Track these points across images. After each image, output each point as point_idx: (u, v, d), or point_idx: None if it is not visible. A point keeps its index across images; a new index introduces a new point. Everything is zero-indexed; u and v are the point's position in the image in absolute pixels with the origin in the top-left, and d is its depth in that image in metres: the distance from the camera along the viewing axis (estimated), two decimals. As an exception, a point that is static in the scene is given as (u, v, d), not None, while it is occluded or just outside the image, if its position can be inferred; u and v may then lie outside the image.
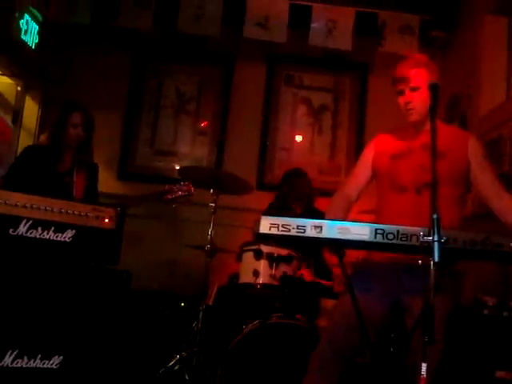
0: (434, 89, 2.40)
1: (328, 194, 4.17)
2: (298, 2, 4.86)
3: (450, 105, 4.66)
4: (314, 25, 4.78)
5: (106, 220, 2.74)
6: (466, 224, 2.69)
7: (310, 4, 4.82)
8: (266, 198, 4.56)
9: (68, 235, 2.65)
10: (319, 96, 5.31)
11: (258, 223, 2.28)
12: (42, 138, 3.62)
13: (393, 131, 2.83)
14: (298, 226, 2.21)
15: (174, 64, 5.36)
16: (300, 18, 4.81)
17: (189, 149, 5.31)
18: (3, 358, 2.44)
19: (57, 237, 2.62)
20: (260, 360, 3.11)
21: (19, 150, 4.39)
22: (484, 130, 4.11)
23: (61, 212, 2.63)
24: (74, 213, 2.67)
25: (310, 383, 2.56)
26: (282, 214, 4.24)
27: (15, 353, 2.46)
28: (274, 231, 2.23)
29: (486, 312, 2.89)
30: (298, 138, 5.35)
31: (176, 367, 3.62)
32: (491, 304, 2.91)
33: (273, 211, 4.28)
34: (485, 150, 2.71)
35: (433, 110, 2.37)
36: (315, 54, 5.15)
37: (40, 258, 2.59)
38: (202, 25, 4.77)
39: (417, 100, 2.60)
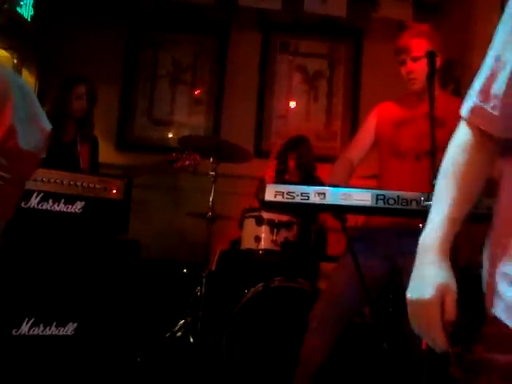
0: (430, 57, 2.47)
1: (325, 159, 4.27)
2: (292, -32, 4.86)
3: (444, 69, 4.70)
4: (308, -9, 4.78)
5: (114, 191, 2.82)
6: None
7: (304, -30, 4.82)
8: (263, 166, 4.63)
9: (78, 207, 2.73)
10: (314, 63, 5.31)
11: (263, 191, 2.36)
12: (44, 110, 3.67)
13: (396, 99, 2.89)
14: (302, 194, 2.29)
15: (170, 33, 5.33)
16: (294, -16, 4.81)
17: (186, 118, 5.33)
18: (20, 326, 2.54)
19: (67, 208, 2.71)
20: (264, 322, 3.22)
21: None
22: (478, 95, 4.16)
23: (70, 184, 2.72)
24: (82, 185, 2.75)
25: (311, 341, 2.69)
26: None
27: (32, 321, 2.56)
28: (279, 199, 2.32)
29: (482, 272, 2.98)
30: (294, 106, 5.38)
31: (181, 331, 3.74)
32: (487, 264, 3.00)
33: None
34: None
35: (431, 77, 2.44)
36: (310, 21, 5.16)
37: (52, 229, 2.67)
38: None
39: (418, 70, 2.64)
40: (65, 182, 2.69)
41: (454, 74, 4.53)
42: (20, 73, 4.77)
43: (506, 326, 1.09)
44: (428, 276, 1.18)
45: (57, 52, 5.05)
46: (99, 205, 2.80)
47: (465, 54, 4.48)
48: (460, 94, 4.40)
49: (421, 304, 1.18)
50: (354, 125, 5.03)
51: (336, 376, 2.95)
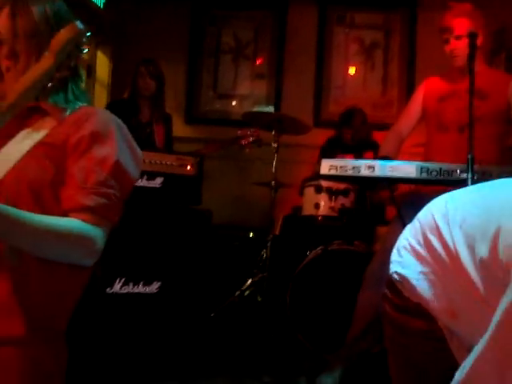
0: (471, 38, 2.69)
1: (381, 127, 4.48)
2: None
3: (496, 37, 4.78)
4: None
5: (189, 167, 3.18)
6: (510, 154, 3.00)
7: None
8: (322, 134, 4.87)
9: (158, 182, 3.11)
10: (370, 34, 5.46)
11: (319, 165, 2.67)
12: (126, 94, 4.08)
13: (441, 74, 3.12)
14: (353, 167, 2.58)
15: (231, 11, 5.58)
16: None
17: (248, 90, 5.59)
18: (113, 285, 2.96)
19: (149, 183, 3.09)
20: (323, 281, 3.53)
21: (96, 102, 4.86)
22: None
23: (151, 162, 3.09)
24: (161, 163, 3.12)
25: (364, 298, 3.01)
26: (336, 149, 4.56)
27: (123, 280, 2.98)
28: (332, 172, 2.62)
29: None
30: (352, 76, 5.56)
31: (249, 290, 4.10)
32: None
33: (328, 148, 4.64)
34: None
35: (471, 58, 2.67)
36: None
37: (136, 201, 3.05)
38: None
39: (460, 47, 2.86)
40: (146, 161, 3.06)
41: (506, 42, 4.63)
42: (95, 56, 5.18)
43: None
44: None
45: (128, 34, 5.39)
46: (176, 180, 3.17)
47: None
48: (512, 61, 4.51)
49: None
50: (409, 93, 5.12)
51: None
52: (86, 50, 1.37)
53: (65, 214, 1.28)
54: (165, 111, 4.14)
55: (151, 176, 3.09)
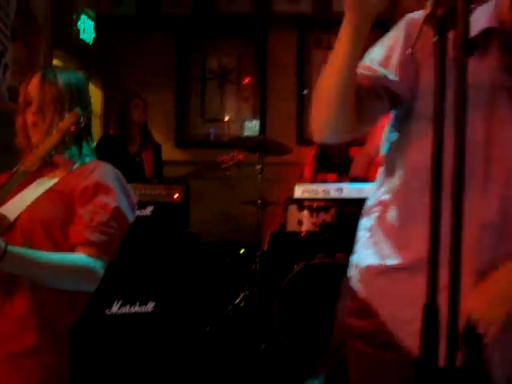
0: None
1: (360, 143, 4.74)
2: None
3: None
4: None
5: (176, 195, 3.46)
6: None
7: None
8: (306, 152, 5.13)
9: (148, 210, 3.38)
10: (347, 55, 5.74)
11: (293, 190, 2.95)
12: (114, 129, 4.36)
13: None
14: (323, 190, 2.87)
15: (214, 39, 5.88)
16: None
17: (235, 114, 5.91)
18: (111, 307, 3.22)
19: (140, 212, 3.36)
20: (308, 293, 3.77)
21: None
22: None
23: (141, 193, 3.37)
24: (150, 193, 3.40)
25: (342, 307, 3.26)
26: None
27: (120, 302, 3.23)
28: (305, 196, 2.90)
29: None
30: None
31: (241, 304, 4.33)
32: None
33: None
34: None
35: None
36: (340, 18, 5.56)
37: (130, 229, 3.31)
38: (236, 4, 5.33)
39: None
40: (137, 192, 3.33)
41: None
42: (87, 87, 5.44)
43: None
44: None
45: (117, 65, 5.67)
46: (165, 207, 3.45)
47: None
48: None
49: None
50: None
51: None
52: (83, 124, 1.63)
53: (72, 248, 1.56)
54: (154, 140, 4.41)
55: (142, 206, 3.36)
